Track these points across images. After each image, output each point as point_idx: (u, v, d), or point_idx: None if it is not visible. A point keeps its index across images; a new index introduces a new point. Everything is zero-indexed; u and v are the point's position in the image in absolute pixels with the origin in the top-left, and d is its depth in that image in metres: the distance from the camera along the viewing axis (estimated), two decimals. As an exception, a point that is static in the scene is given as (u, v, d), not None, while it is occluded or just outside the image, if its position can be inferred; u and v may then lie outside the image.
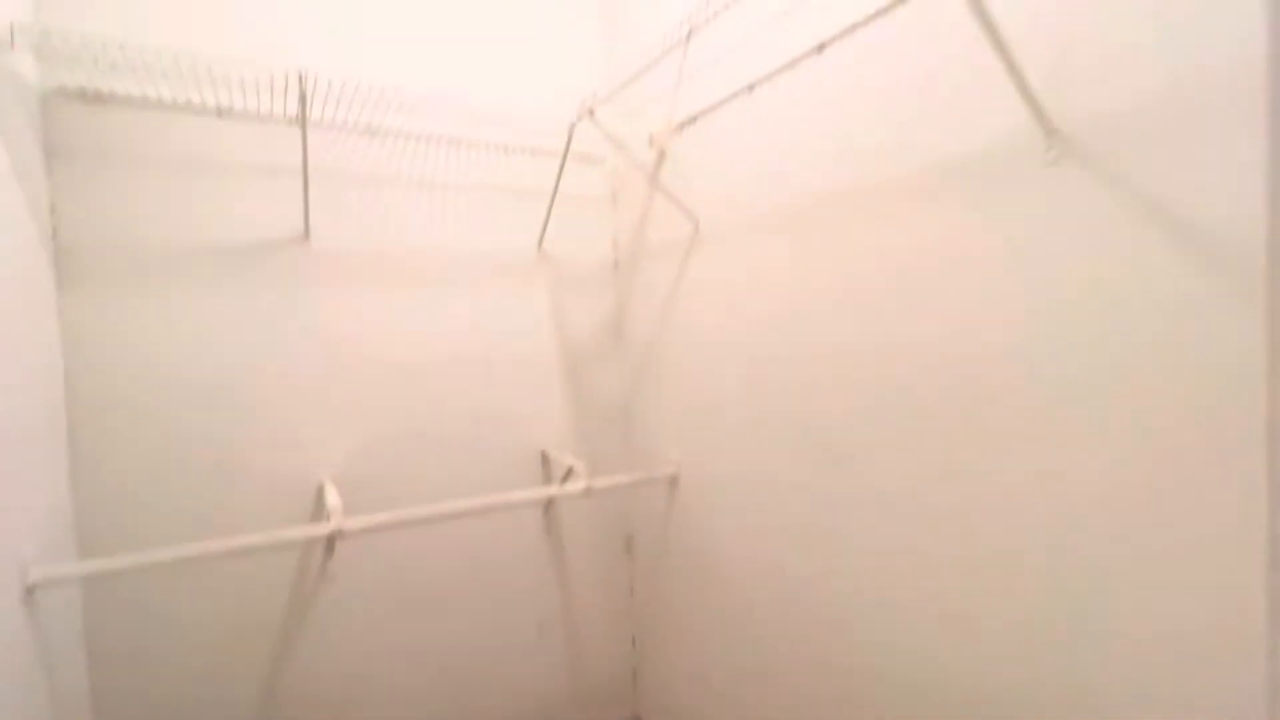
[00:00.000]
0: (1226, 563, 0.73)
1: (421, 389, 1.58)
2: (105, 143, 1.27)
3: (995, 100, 0.91)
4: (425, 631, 1.61)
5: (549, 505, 1.76)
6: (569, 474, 1.61)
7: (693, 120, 1.41)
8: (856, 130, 1.14)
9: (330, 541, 1.40)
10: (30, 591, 0.98)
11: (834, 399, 1.21)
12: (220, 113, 1.32)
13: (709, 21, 1.20)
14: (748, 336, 1.41)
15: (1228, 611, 0.73)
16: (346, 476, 1.47)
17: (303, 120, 1.24)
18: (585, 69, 1.81)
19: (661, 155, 1.59)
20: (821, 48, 1.07)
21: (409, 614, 1.58)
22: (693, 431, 1.61)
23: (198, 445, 1.34)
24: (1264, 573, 0.70)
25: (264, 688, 1.43)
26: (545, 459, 1.75)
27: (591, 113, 1.41)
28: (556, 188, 1.61)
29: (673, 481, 1.67)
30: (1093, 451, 0.84)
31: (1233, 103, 0.71)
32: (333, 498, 1.32)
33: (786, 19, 1.22)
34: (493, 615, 1.70)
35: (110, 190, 1.27)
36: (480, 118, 1.50)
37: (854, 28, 1.00)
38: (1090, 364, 0.84)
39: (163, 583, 1.31)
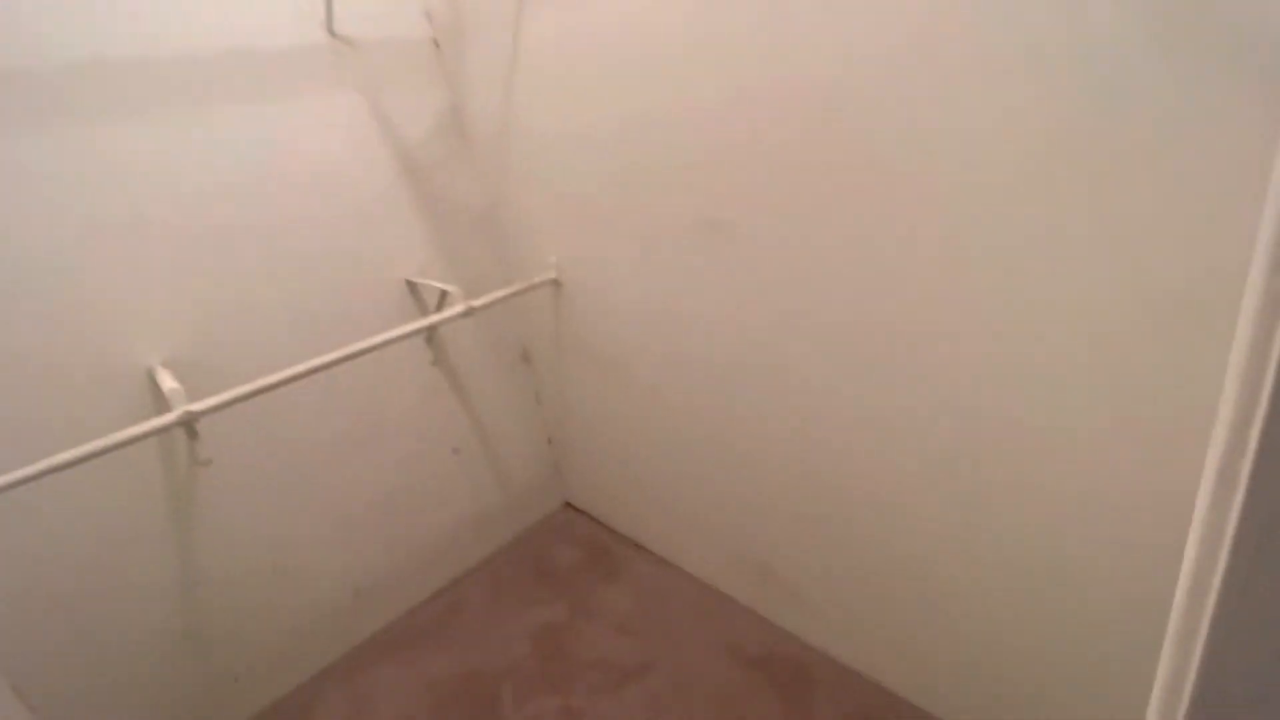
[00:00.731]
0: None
1: (240, 241, 1.31)
2: None
3: None
4: (335, 485, 1.56)
5: (431, 335, 1.64)
6: (443, 299, 1.47)
7: None
8: None
9: (188, 426, 1.25)
10: None
11: (711, 163, 1.11)
12: None
13: None
14: (609, 108, 1.23)
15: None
16: (181, 357, 1.26)
17: None
18: None
19: None
20: None
21: (313, 475, 1.51)
22: (567, 228, 1.49)
23: None
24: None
25: (180, 583, 1.36)
26: (414, 289, 1.58)
27: None
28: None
29: (556, 285, 1.59)
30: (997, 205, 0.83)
31: None
32: (168, 382, 1.13)
33: None
34: (403, 451, 1.67)
35: None
36: None
37: None
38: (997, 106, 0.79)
39: (9, 514, 1.13)
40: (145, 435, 1.06)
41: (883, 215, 0.93)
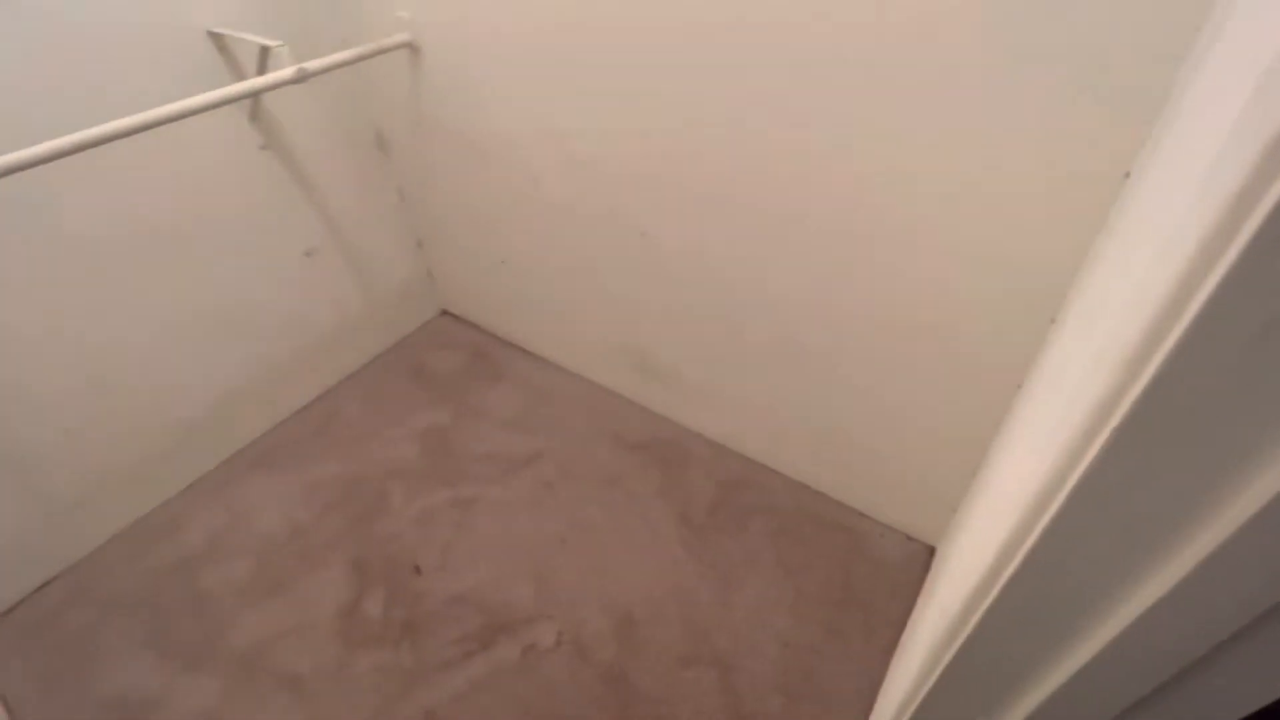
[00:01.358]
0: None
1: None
2: None
3: None
4: (163, 290, 1.33)
5: (256, 111, 1.34)
6: (265, 58, 1.18)
7: None
8: None
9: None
10: None
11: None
12: None
13: None
14: None
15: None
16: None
17: None
18: None
19: None
20: None
21: (120, 272, 1.27)
22: (420, -28, 1.20)
23: None
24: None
25: (-31, 403, 1.15)
26: (222, 44, 1.24)
27: None
28: None
29: (412, 50, 1.32)
30: None
31: None
32: None
33: None
34: (242, 254, 1.44)
35: None
36: None
37: None
38: None
39: None
40: None
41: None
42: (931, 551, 1.33)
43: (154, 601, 1.31)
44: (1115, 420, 0.25)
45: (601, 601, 1.27)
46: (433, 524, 1.43)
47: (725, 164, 1.07)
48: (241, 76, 1.28)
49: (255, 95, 1.23)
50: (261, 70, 1.21)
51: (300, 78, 1.14)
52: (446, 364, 1.84)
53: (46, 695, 1.18)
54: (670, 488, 1.47)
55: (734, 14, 0.91)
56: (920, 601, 1.18)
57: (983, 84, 0.77)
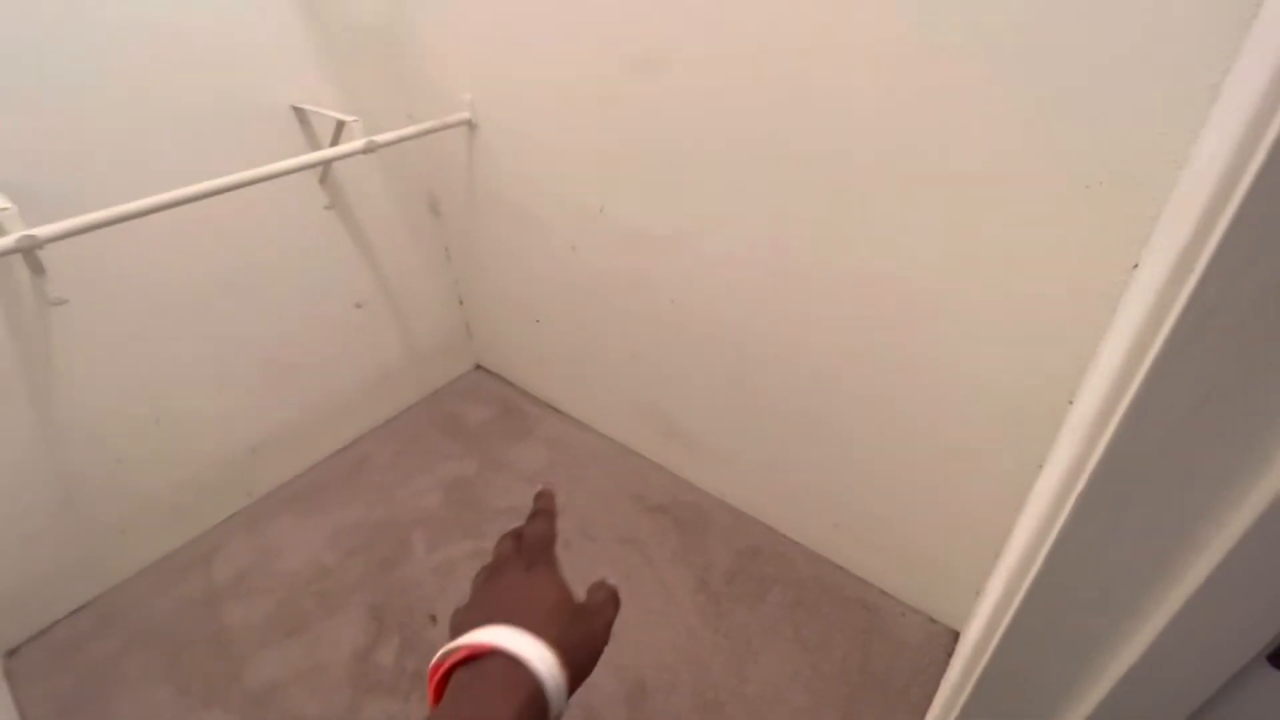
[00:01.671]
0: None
1: (91, 42, 1.07)
2: None
3: None
4: (220, 336, 1.43)
5: (326, 175, 1.47)
6: (340, 131, 1.31)
7: None
8: None
9: (30, 258, 1.08)
10: None
11: (647, -6, 1.02)
12: None
13: None
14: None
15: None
16: (16, 174, 1.05)
17: None
18: None
19: None
20: None
21: (192, 323, 1.37)
22: (482, 63, 1.34)
23: None
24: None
25: (37, 427, 1.23)
26: (303, 118, 1.39)
27: None
28: None
29: (470, 127, 1.45)
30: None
31: None
32: (-2, 199, 0.95)
33: None
34: (298, 304, 1.55)
35: None
36: None
37: None
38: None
39: None
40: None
41: (822, 69, 0.90)
42: (955, 636, 1.28)
43: (177, 635, 1.34)
44: (1079, 487, 0.27)
45: (614, 665, 1.25)
46: (452, 575, 1.44)
47: (753, 242, 1.13)
48: (318, 145, 1.42)
49: (328, 163, 1.37)
50: (335, 140, 1.34)
51: (369, 149, 1.26)
52: (477, 417, 1.90)
53: (65, 721, 1.20)
54: (688, 552, 1.46)
55: (760, 108, 0.99)
56: (943, 687, 1.14)
57: (997, 176, 0.83)
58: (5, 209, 0.94)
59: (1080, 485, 0.27)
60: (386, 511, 1.60)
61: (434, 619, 1.35)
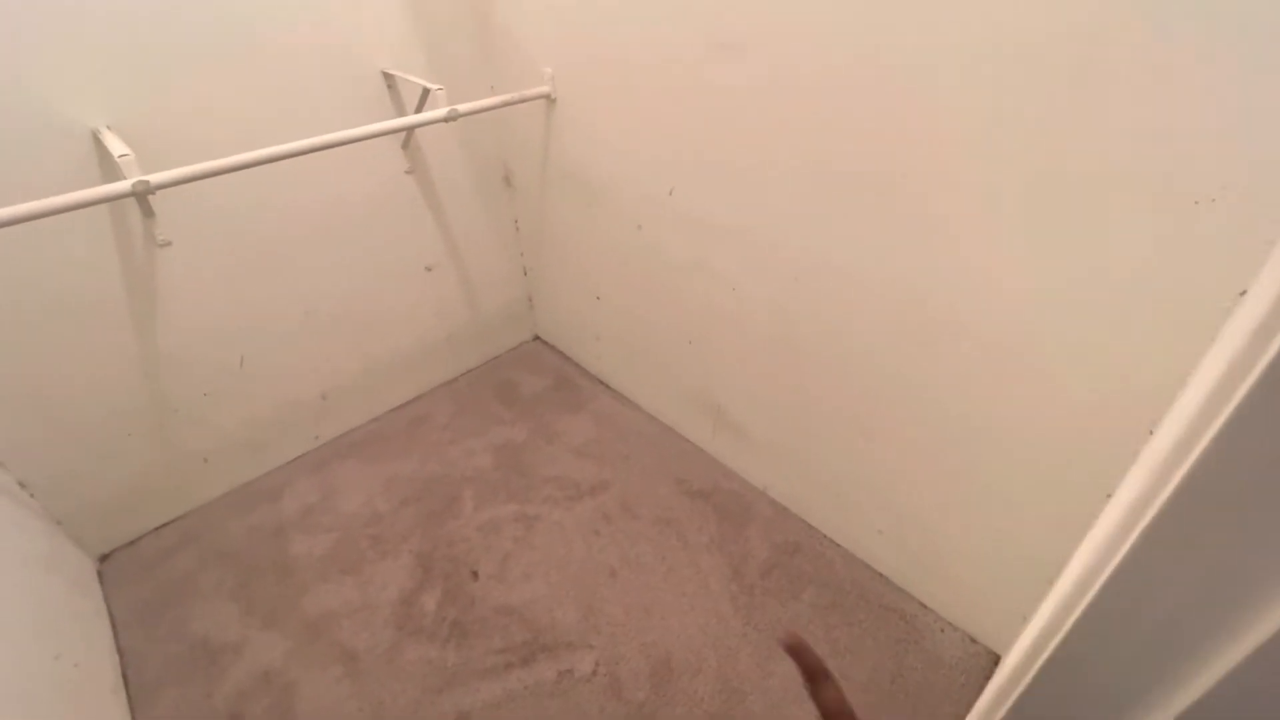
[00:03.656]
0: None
1: (209, 9, 1.14)
2: None
3: None
4: (302, 285, 1.52)
5: (408, 139, 1.52)
6: (425, 99, 1.35)
7: None
8: None
9: (142, 201, 1.17)
10: None
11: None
12: None
13: None
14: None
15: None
16: (133, 121, 1.14)
17: None
18: None
19: None
20: None
21: (277, 271, 1.46)
22: (567, 37, 1.35)
23: None
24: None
25: (139, 356, 1.35)
26: (391, 83, 1.44)
27: None
28: None
29: (549, 101, 1.47)
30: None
31: None
32: (117, 146, 1.04)
33: None
34: (372, 262, 1.62)
35: None
36: None
37: None
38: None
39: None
40: (94, 202, 0.98)
41: (909, 65, 0.86)
42: (996, 659, 1.24)
43: (247, 559, 1.46)
44: (1143, 522, 0.26)
45: (642, 641, 1.28)
46: (496, 534, 1.50)
47: (821, 239, 1.10)
48: (404, 111, 1.47)
49: (411, 129, 1.41)
50: (420, 107, 1.39)
51: (451, 117, 1.29)
52: (532, 386, 1.94)
53: (146, 625, 1.33)
54: (726, 541, 1.47)
55: (844, 108, 0.95)
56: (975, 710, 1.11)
57: (1096, 183, 0.77)
58: (125, 155, 1.02)
59: (1146, 520, 0.26)
60: (440, 467, 1.67)
61: (475, 574, 1.41)
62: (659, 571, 1.41)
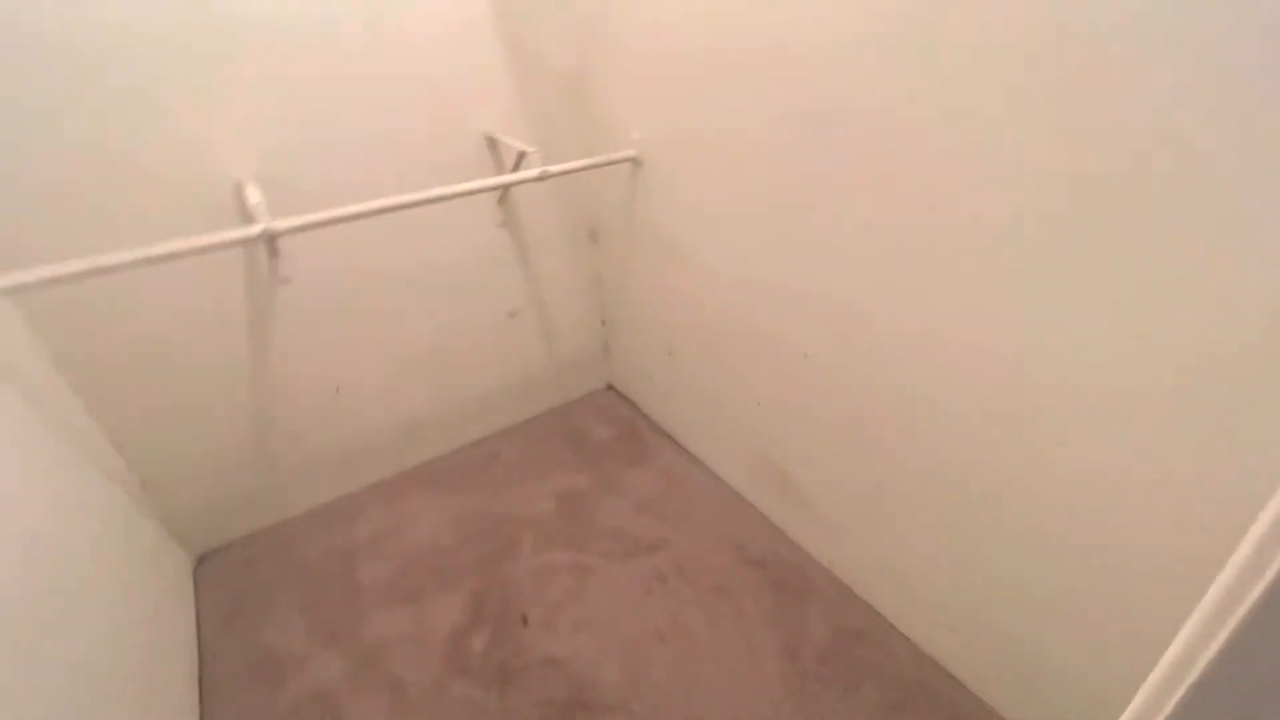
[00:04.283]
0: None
1: (335, 66, 1.31)
2: None
3: None
4: (397, 324, 1.64)
5: (504, 196, 1.64)
6: (521, 160, 1.45)
7: None
8: None
9: (270, 243, 1.32)
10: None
11: (813, 46, 1.02)
12: None
13: None
14: (723, -29, 1.12)
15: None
16: (267, 175, 1.30)
17: None
18: None
19: None
20: None
21: (377, 310, 1.59)
22: (655, 105, 1.42)
23: (87, 150, 1.13)
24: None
25: (252, 379, 1.50)
26: (493, 145, 1.56)
27: None
28: None
29: (635, 164, 1.54)
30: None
31: None
32: (254, 196, 1.19)
33: None
34: (462, 306, 1.73)
35: None
36: None
37: None
38: None
39: (103, 294, 1.24)
40: (231, 243, 1.12)
41: (1003, 139, 0.84)
42: (1087, 797, 1.08)
43: (319, 577, 1.54)
44: (1234, 619, 0.23)
45: (685, 713, 1.22)
46: (550, 581, 1.50)
47: (902, 310, 1.07)
48: (501, 170, 1.59)
49: (507, 186, 1.52)
50: (516, 167, 1.49)
51: (543, 177, 1.38)
52: (600, 435, 1.97)
53: (225, 627, 1.43)
54: (783, 617, 1.39)
55: (924, 177, 0.94)
56: None
57: (1217, 258, 0.71)
58: (258, 204, 1.16)
59: (1237, 617, 0.23)
60: (504, 508, 1.71)
61: (525, 620, 1.41)
62: (709, 641, 1.35)
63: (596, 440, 1.95)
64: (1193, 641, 0.31)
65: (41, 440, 1.10)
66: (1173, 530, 0.84)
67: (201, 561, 1.60)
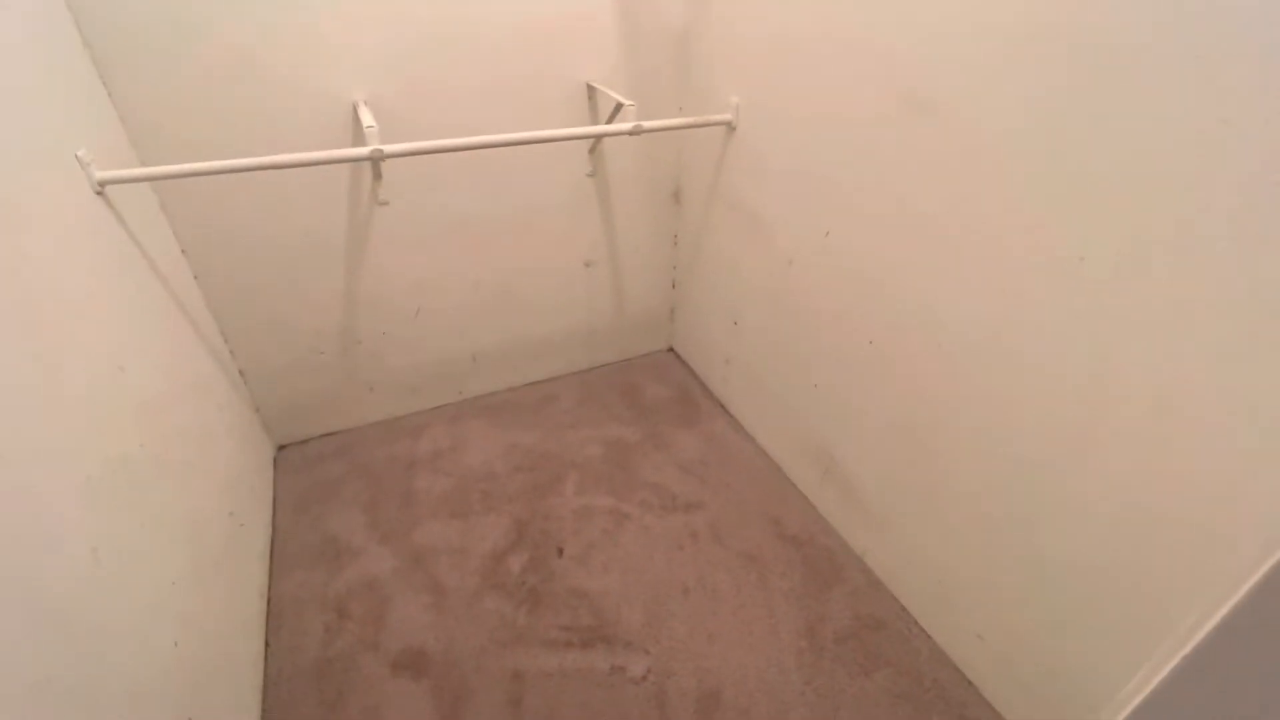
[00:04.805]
0: None
1: (450, 5, 1.36)
2: None
3: None
4: (478, 259, 1.72)
5: (595, 146, 1.67)
6: (617, 111, 1.47)
7: None
8: None
9: (375, 165, 1.40)
10: (102, 187, 1.03)
11: (919, 26, 0.98)
12: None
13: None
14: (849, -64, 1.09)
15: None
16: (381, 99, 1.38)
17: None
18: None
19: None
20: None
21: (462, 243, 1.67)
22: (755, 71, 1.40)
23: (226, 51, 1.23)
24: None
25: (344, 290, 1.61)
26: (592, 93, 1.59)
27: None
28: None
29: (729, 129, 1.53)
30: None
31: None
32: (368, 118, 1.26)
33: None
34: (541, 250, 1.79)
35: None
36: None
37: None
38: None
39: (228, 195, 1.37)
40: (345, 160, 1.21)
41: (1109, 144, 0.79)
42: (1088, 821, 1.07)
43: (382, 481, 1.67)
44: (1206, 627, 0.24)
45: (698, 665, 1.28)
46: (588, 521, 1.58)
47: (975, 307, 1.04)
48: (597, 120, 1.61)
49: (600, 137, 1.55)
50: (612, 119, 1.51)
51: (635, 132, 1.40)
52: (655, 394, 2.01)
53: (297, 511, 1.58)
54: (807, 596, 1.42)
55: (1022, 175, 0.90)
56: None
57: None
58: (371, 127, 1.24)
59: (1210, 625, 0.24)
60: (555, 447, 1.79)
61: (561, 551, 1.50)
62: (731, 604, 1.40)
63: (651, 398, 2.00)
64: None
65: (169, 314, 1.24)
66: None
67: (281, 450, 1.76)
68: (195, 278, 1.42)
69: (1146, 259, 0.80)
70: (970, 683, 1.26)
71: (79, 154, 1.00)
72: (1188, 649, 0.27)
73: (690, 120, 1.49)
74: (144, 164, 1.25)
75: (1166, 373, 0.81)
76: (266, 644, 1.30)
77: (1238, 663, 0.26)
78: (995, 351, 1.04)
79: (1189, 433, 0.80)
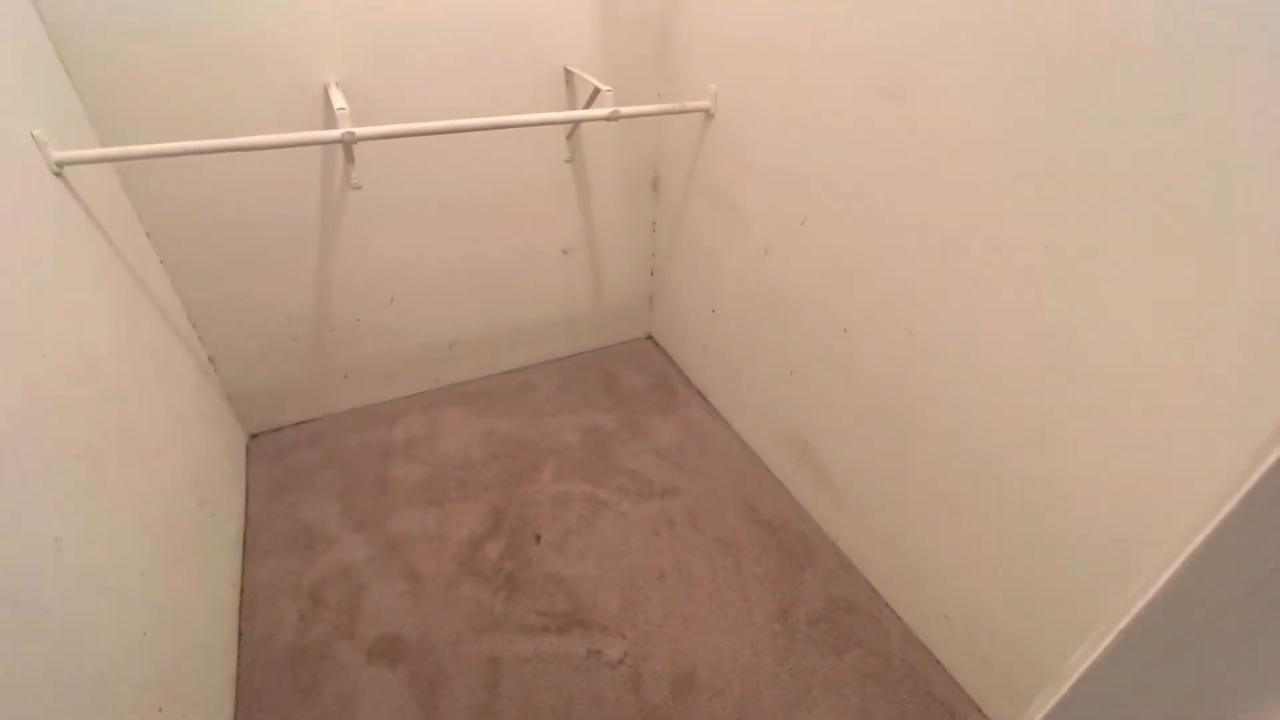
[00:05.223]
0: None
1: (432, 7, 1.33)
2: None
3: None
4: (454, 245, 1.70)
5: (573, 131, 1.65)
6: (595, 96, 1.46)
7: None
8: None
9: (347, 148, 1.37)
10: (60, 167, 1.00)
11: (898, 19, 0.99)
12: None
13: None
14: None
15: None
16: (354, 81, 1.35)
17: None
18: None
19: None
20: None
21: (438, 228, 1.65)
22: (734, 59, 1.40)
23: (192, 28, 1.20)
24: None
25: (317, 276, 1.59)
26: (569, 78, 1.57)
27: None
28: None
29: (707, 116, 1.53)
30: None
31: None
32: (339, 100, 1.24)
33: None
34: (518, 236, 1.77)
35: None
36: None
37: None
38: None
39: (195, 177, 1.33)
40: (314, 143, 1.18)
41: (1078, 129, 0.81)
42: (1046, 791, 1.11)
43: (356, 470, 1.66)
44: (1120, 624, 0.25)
45: (673, 648, 1.30)
46: (565, 508, 1.58)
47: (947, 300, 1.06)
48: (575, 105, 1.60)
49: (578, 122, 1.54)
50: (589, 104, 1.50)
51: (613, 117, 1.39)
52: (633, 381, 2.02)
53: (270, 500, 1.56)
54: (781, 579, 1.44)
55: (988, 167, 0.92)
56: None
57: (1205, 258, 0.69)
58: (342, 109, 1.21)
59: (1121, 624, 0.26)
60: (532, 435, 1.79)
61: (538, 538, 1.50)
62: (706, 588, 1.42)
63: (629, 386, 2.00)
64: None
65: (133, 298, 1.21)
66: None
67: (254, 438, 1.73)
68: (161, 262, 1.38)
69: (1108, 247, 0.82)
70: (938, 662, 1.30)
71: (35, 133, 0.96)
72: (1127, 619, 0.29)
73: (668, 107, 1.49)
74: (104, 144, 1.21)
75: (1129, 358, 0.84)
76: (240, 632, 1.29)
77: (1172, 630, 0.27)
78: (964, 340, 1.06)
79: (1149, 415, 0.83)
